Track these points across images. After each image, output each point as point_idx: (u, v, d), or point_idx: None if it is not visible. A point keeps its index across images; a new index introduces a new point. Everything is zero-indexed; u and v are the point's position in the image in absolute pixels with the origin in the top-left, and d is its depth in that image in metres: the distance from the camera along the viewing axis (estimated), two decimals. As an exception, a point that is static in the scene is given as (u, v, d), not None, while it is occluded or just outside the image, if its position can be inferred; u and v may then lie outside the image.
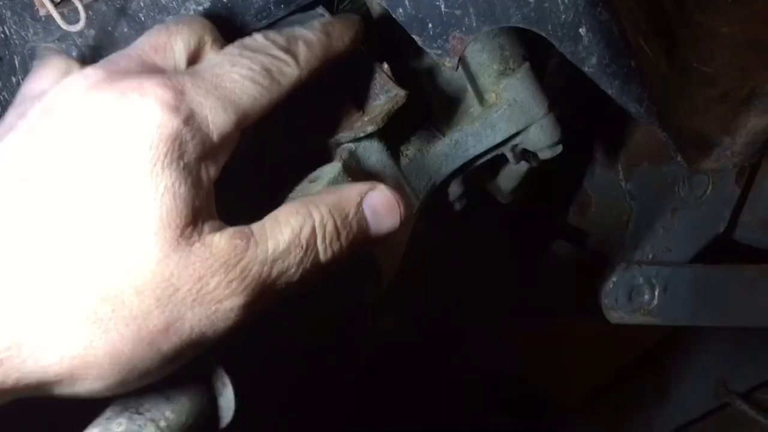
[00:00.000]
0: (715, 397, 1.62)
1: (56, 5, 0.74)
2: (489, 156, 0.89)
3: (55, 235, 0.48)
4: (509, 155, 0.90)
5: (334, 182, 0.69)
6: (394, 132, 0.80)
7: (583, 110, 1.03)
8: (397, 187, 0.75)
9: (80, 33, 0.82)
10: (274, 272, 0.54)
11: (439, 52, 0.73)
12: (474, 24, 0.71)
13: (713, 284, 1.08)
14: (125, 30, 0.81)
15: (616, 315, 1.05)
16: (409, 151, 0.84)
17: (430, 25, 0.72)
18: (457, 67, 0.74)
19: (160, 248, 0.49)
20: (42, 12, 0.77)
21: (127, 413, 0.56)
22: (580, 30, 0.68)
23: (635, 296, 1.05)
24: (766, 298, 1.09)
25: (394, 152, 0.81)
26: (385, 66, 0.77)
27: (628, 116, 1.04)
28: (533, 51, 0.88)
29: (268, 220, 0.57)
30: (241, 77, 0.58)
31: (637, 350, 1.71)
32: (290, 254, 0.55)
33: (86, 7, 0.79)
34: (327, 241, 0.57)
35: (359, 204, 0.60)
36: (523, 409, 1.96)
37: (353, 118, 0.77)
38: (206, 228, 0.52)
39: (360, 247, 0.61)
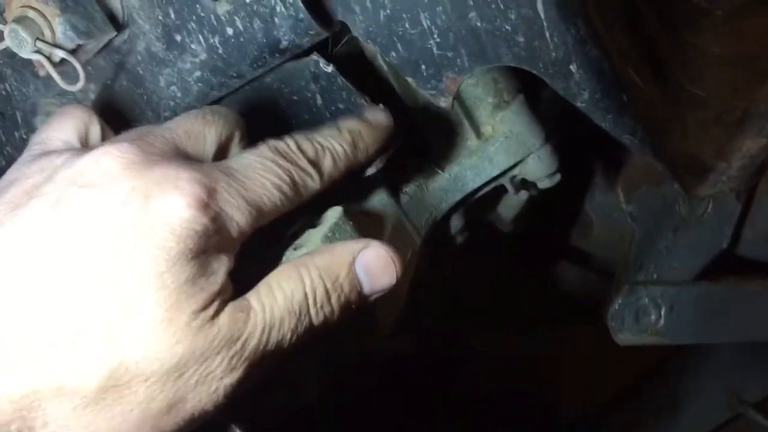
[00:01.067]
0: (728, 408, 1.62)
1: (55, 65, 0.76)
2: (488, 188, 0.90)
3: (75, 318, 0.49)
4: (508, 186, 0.91)
5: (337, 227, 0.70)
6: (393, 170, 0.81)
7: (581, 135, 1.04)
8: (396, 231, 0.76)
9: (80, 88, 0.83)
10: (271, 341, 0.55)
11: (434, 92, 0.74)
12: (466, 64, 0.72)
13: (719, 301, 1.08)
14: (124, 83, 0.83)
15: (624, 337, 1.06)
16: (409, 188, 0.85)
17: (423, 67, 0.73)
18: (452, 106, 0.75)
19: (172, 334, 0.50)
20: (42, 73, 0.78)
21: None
22: (571, 67, 0.68)
23: (642, 317, 1.05)
24: (772, 312, 1.09)
25: (394, 191, 0.82)
26: (381, 107, 0.78)
27: (624, 139, 1.05)
28: (527, 81, 0.89)
29: (263, 287, 0.57)
30: (271, 185, 0.59)
31: (648, 362, 1.71)
32: (284, 322, 0.55)
33: (86, 63, 0.80)
34: (318, 305, 0.57)
35: (351, 264, 0.60)
36: (531, 426, 1.95)
37: (352, 161, 0.78)
38: (213, 309, 0.53)
39: (354, 307, 0.61)
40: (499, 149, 0.86)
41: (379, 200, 0.79)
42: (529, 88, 0.89)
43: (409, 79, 0.75)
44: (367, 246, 0.62)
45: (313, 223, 0.72)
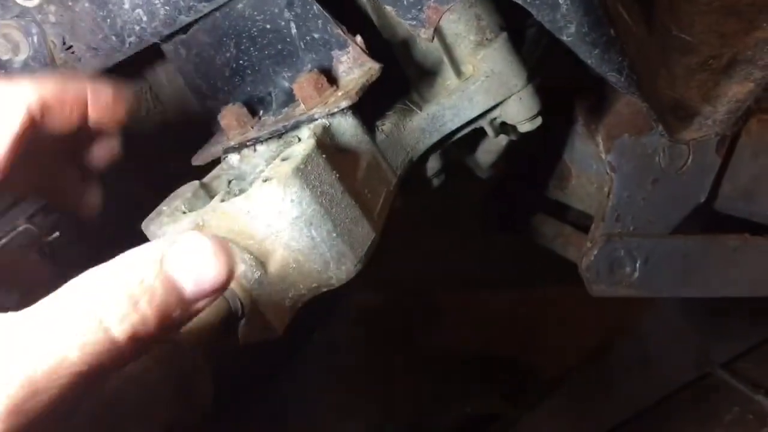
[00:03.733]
0: (696, 367, 1.64)
1: (12, -20, 0.71)
2: (467, 130, 0.87)
3: None
4: (488, 129, 0.88)
5: (308, 159, 0.67)
6: (369, 107, 0.78)
7: (561, 82, 1.01)
8: (371, 168, 0.73)
9: (39, 8, 0.79)
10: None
11: (414, 22, 0.71)
12: (449, -7, 0.68)
13: (694, 255, 1.07)
14: (86, 5, 0.78)
15: (598, 288, 1.05)
16: (385, 126, 0.81)
17: (404, -5, 0.70)
18: (433, 38, 0.72)
19: None
20: (-2, -13, 0.74)
21: None
22: (558, -3, 0.66)
23: (617, 269, 1.04)
24: (747, 268, 1.09)
25: (369, 128, 0.79)
26: (359, 39, 0.75)
27: (607, 88, 1.03)
28: (510, 20, 0.85)
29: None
30: None
31: (620, 320, 1.72)
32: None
33: (45, -19, 0.76)
34: (119, 319, 0.45)
35: (160, 261, 0.47)
36: (506, 383, 1.96)
37: (326, 93, 0.75)
38: None
39: (180, 314, 0.48)
40: (480, 89, 0.83)
41: (353, 136, 0.75)
42: (512, 27, 0.86)
43: (389, 8, 0.72)
44: (183, 240, 0.48)
45: (280, 155, 0.69)
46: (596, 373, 1.74)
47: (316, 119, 0.73)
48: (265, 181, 0.65)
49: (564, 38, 0.68)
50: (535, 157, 1.18)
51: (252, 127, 0.80)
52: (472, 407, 1.75)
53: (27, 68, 0.84)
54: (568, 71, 1.01)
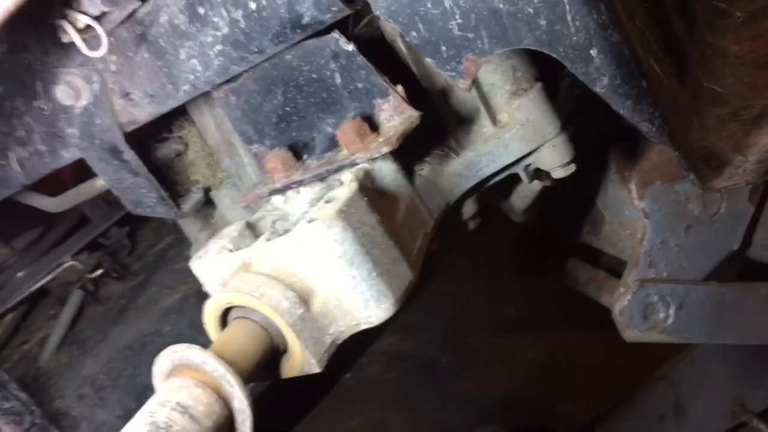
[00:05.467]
0: (732, 417, 1.61)
1: (79, 32, 0.76)
2: (502, 175, 0.90)
3: None
4: (522, 175, 0.91)
5: (351, 202, 0.70)
6: (408, 153, 0.81)
7: (595, 130, 1.04)
8: (409, 211, 0.77)
9: (102, 59, 0.84)
10: None
11: (453, 74, 0.75)
12: (487, 46, 0.72)
13: (728, 302, 1.08)
14: (145, 56, 0.83)
15: (632, 333, 1.05)
16: (424, 171, 0.85)
17: (443, 48, 0.73)
18: (470, 88, 0.75)
19: None
20: (65, 39, 0.79)
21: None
22: (592, 51, 0.69)
23: (650, 314, 1.05)
24: (782, 316, 1.09)
25: (408, 172, 0.82)
26: (400, 88, 0.79)
27: (640, 135, 1.05)
28: (545, 71, 0.89)
29: None
30: None
31: (653, 368, 1.70)
32: None
33: (109, 33, 0.81)
34: None
35: None
36: (536, 429, 1.94)
37: (368, 140, 0.78)
38: None
39: None
40: (515, 136, 0.86)
41: (393, 180, 0.79)
42: (547, 78, 0.89)
43: (429, 60, 0.75)
44: None
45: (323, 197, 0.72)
46: (628, 420, 1.72)
47: (358, 164, 0.77)
48: (309, 221, 0.68)
49: (597, 90, 0.71)
50: (569, 203, 1.20)
51: (296, 171, 0.83)
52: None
53: (87, 114, 0.89)
54: (601, 120, 1.04)
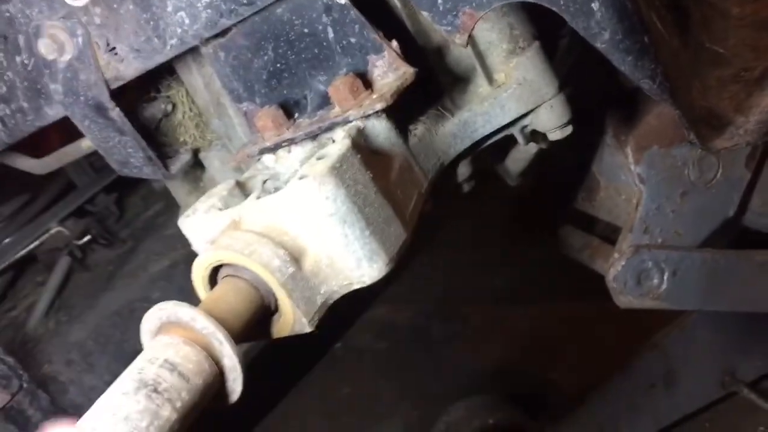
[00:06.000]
0: (722, 386, 1.62)
1: (61, -19, 0.73)
2: (498, 137, 0.88)
3: None
4: (518, 136, 0.89)
5: (344, 159, 0.68)
6: (402, 112, 0.79)
7: (591, 92, 1.02)
8: (403, 170, 0.75)
9: (85, 9, 0.81)
10: None
11: (449, 28, 0.72)
12: (485, -1, 0.70)
13: (723, 269, 1.07)
14: (130, 7, 0.80)
15: (625, 299, 1.05)
16: (418, 130, 0.83)
17: (439, 1, 0.71)
18: (467, 43, 0.73)
19: None
20: (47, -13, 0.76)
21: (145, 390, 0.55)
22: (593, 5, 0.66)
23: (644, 280, 1.04)
24: (776, 284, 1.08)
25: (402, 132, 0.80)
26: (394, 44, 0.76)
27: (637, 99, 1.04)
28: (543, 30, 0.87)
29: None
30: None
31: (644, 337, 1.71)
32: None
33: (91, -17, 0.78)
34: None
35: None
36: (528, 399, 1.95)
37: (361, 96, 0.76)
38: None
39: None
40: (512, 96, 0.84)
41: (386, 138, 0.77)
42: (545, 37, 0.87)
43: (425, 14, 0.73)
44: None
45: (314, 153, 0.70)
46: (619, 389, 1.72)
47: (351, 121, 0.75)
48: (300, 178, 0.67)
49: (598, 45, 0.69)
50: (563, 169, 1.18)
51: (287, 129, 0.81)
52: (495, 418, 1.74)
53: (71, 69, 0.86)
54: (597, 83, 1.02)
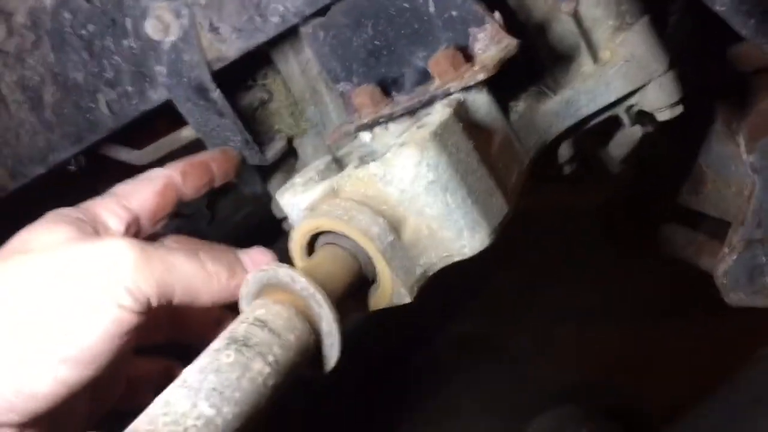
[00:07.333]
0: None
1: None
2: (602, 117, 0.85)
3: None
4: (624, 117, 0.85)
5: (445, 126, 0.66)
6: (504, 87, 0.77)
7: (701, 77, 0.97)
8: (503, 146, 0.73)
9: (192, -13, 0.83)
10: None
11: (556, -5, 0.70)
12: (594, -37, 0.67)
13: None
14: (235, -15, 0.82)
15: (735, 296, 0.98)
16: (519, 107, 0.80)
17: (546, -33, 0.69)
18: (574, 11, 0.71)
19: None
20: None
21: (235, 345, 0.54)
22: (712, -37, 0.63)
23: (757, 277, 0.97)
24: None
25: (503, 107, 0.78)
26: (497, 15, 0.74)
27: (750, 85, 0.98)
28: (652, 5, 0.83)
29: None
30: None
31: (738, 358, 1.61)
32: None
33: (198, -36, 0.80)
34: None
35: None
36: (618, 412, 1.87)
37: (462, 69, 0.74)
38: None
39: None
40: (618, 73, 0.81)
41: (487, 113, 0.75)
42: (654, 12, 0.83)
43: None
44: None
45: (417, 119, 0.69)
46: (723, 402, 1.62)
47: (452, 93, 0.73)
48: (401, 145, 0.65)
49: (717, 8, 0.65)
50: (666, 161, 1.13)
51: (385, 106, 0.80)
52: (588, 429, 1.67)
53: (175, 49, 0.88)
54: (708, 69, 0.97)
